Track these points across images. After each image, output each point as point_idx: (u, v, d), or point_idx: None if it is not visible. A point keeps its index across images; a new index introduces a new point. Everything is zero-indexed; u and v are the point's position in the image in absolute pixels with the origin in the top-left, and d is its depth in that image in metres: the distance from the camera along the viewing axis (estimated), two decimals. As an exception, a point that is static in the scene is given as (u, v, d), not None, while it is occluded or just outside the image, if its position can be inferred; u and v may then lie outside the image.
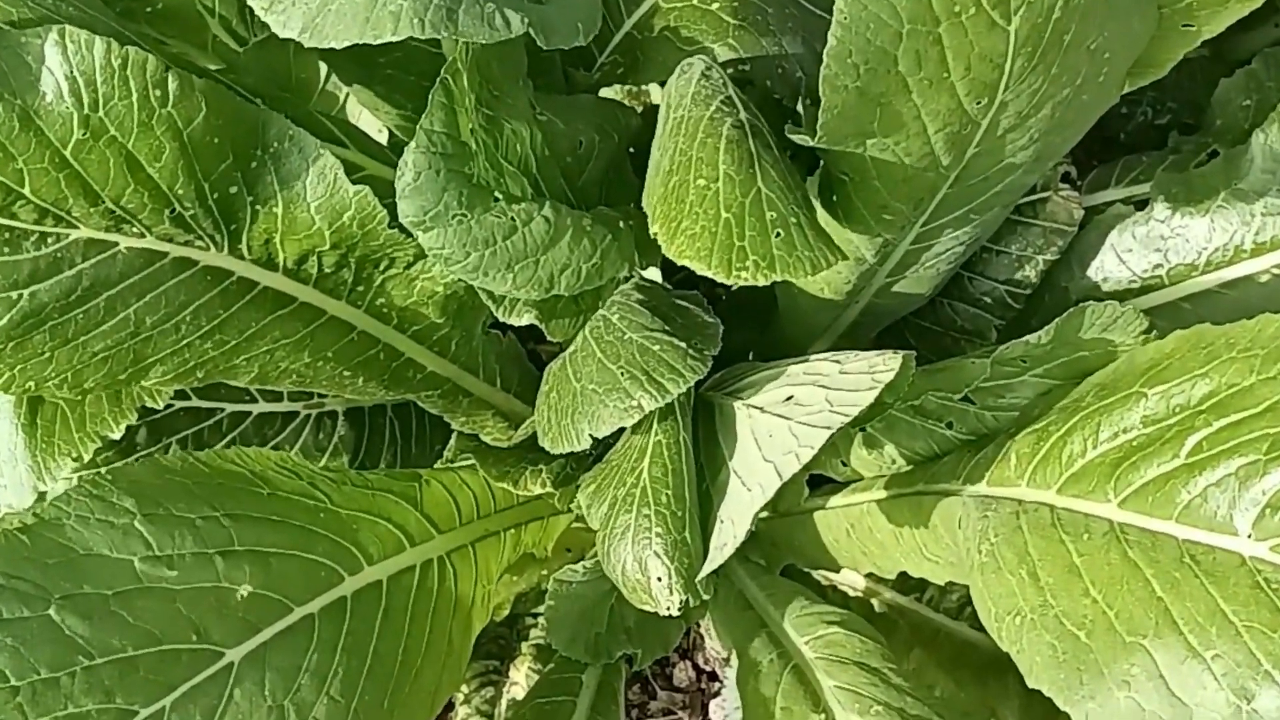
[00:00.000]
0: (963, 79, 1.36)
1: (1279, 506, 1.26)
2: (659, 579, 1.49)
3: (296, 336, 1.58)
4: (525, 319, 1.63)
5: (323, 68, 1.81)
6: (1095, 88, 1.50)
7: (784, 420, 1.48)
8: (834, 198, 1.56)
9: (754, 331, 1.94)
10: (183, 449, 1.79)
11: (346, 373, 1.65)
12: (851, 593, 2.21)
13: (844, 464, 1.85)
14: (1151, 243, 1.89)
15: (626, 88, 2.01)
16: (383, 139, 1.79)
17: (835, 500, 1.89)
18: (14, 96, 1.29)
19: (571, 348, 1.61)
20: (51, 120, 1.31)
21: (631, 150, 1.79)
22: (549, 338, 1.67)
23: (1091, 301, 1.57)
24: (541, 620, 2.10)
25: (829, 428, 1.41)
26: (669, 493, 1.51)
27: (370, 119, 1.76)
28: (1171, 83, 1.74)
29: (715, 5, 1.70)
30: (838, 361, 1.53)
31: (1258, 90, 2.00)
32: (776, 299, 1.87)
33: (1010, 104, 1.42)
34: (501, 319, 1.63)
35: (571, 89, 1.81)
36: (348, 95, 1.83)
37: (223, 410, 1.83)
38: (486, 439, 1.88)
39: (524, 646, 2.11)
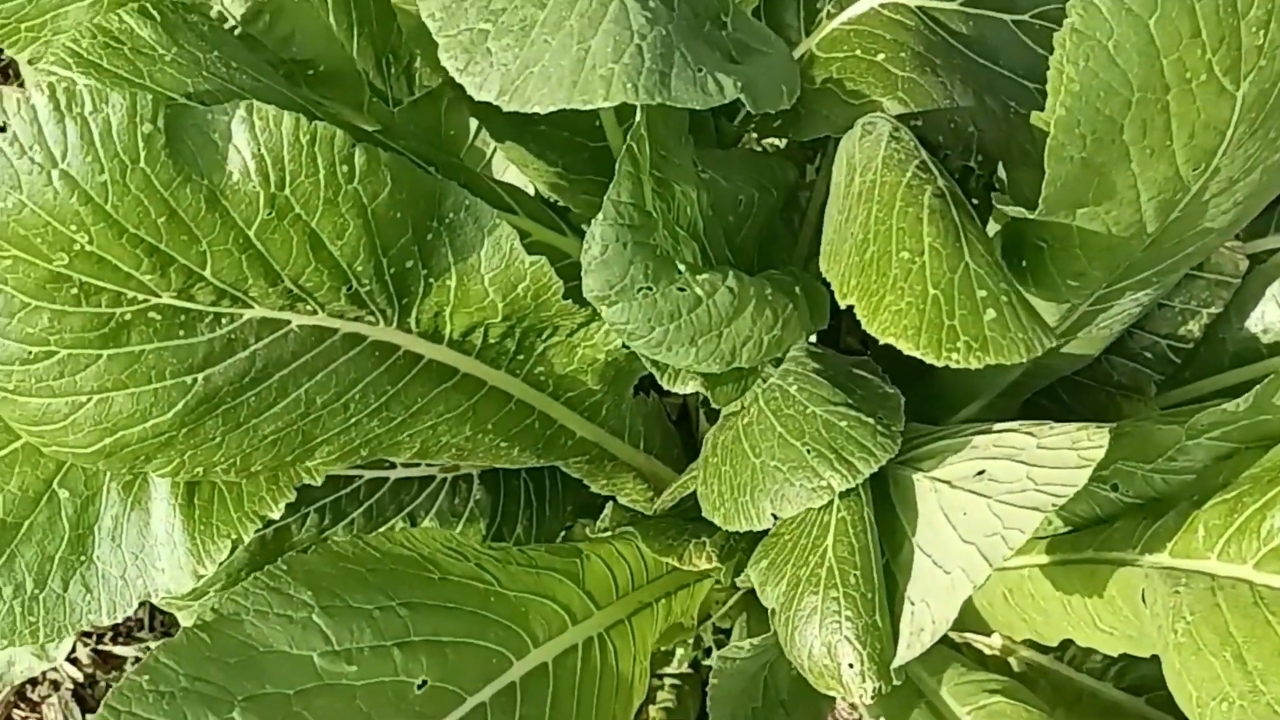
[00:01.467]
0: (1184, 146, 1.30)
1: None
2: (850, 665, 1.42)
3: (459, 410, 1.52)
4: (690, 387, 1.57)
5: (472, 123, 1.75)
6: (1302, 152, 1.44)
7: (979, 498, 1.41)
8: (1023, 263, 1.49)
9: (905, 387, 1.87)
10: (319, 519, 1.72)
11: (503, 443, 1.59)
12: (987, 651, 2.14)
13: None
14: (1313, 292, 1.84)
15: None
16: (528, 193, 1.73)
17: (990, 562, 1.83)
18: (201, 177, 1.22)
19: (744, 418, 1.54)
20: (237, 200, 1.24)
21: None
22: (714, 404, 1.60)
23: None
24: (668, 682, 2.05)
25: (1037, 509, 1.35)
26: (857, 573, 1.44)
27: (516, 174, 1.70)
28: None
29: (881, 56, 1.64)
30: (1031, 434, 1.46)
31: None
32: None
33: (1223, 169, 1.36)
34: (666, 387, 1.57)
35: (721, 141, 1.75)
36: (494, 151, 1.77)
37: (360, 477, 1.76)
38: (625, 500, 1.83)
39: (652, 711, 2.05)
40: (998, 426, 1.52)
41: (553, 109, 1.20)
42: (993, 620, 1.87)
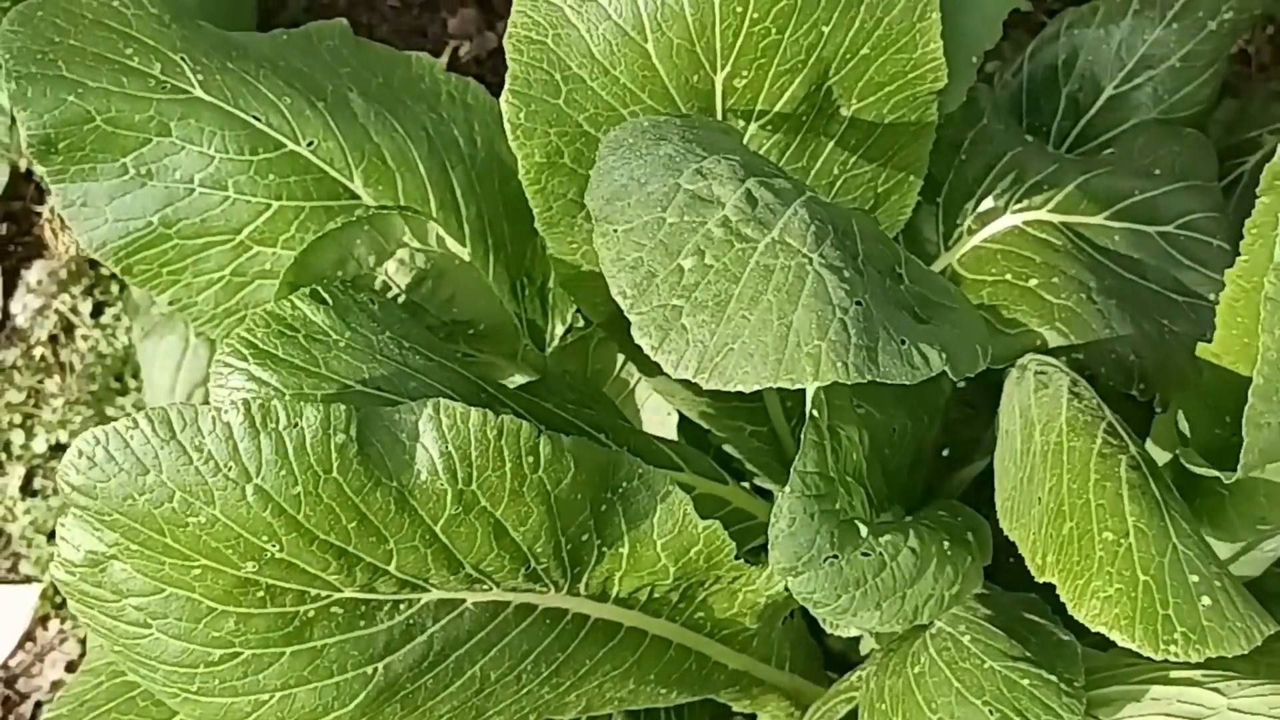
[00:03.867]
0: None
1: None
2: None
3: (625, 666, 1.48)
4: (854, 631, 1.52)
5: (619, 358, 1.72)
6: None
7: (1172, 763, 1.37)
8: (1198, 505, 1.46)
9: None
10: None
11: (663, 689, 1.55)
12: None
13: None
14: None
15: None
16: (672, 422, 1.70)
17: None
18: (390, 479, 1.19)
19: (915, 667, 1.50)
20: (425, 499, 1.21)
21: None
22: (873, 643, 1.56)
23: None
24: None
25: (1240, 787, 1.31)
26: (1042, 838, 1.39)
27: (658, 402, 1.67)
28: None
29: (1034, 282, 1.61)
30: (1219, 691, 1.42)
31: None
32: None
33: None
34: (829, 630, 1.52)
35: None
36: (638, 380, 1.74)
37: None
38: (766, 718, 1.78)
39: None
40: (1174, 675, 1.48)
41: (755, 388, 1.17)
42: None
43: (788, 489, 1.31)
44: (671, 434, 1.74)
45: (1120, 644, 1.27)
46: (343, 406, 1.15)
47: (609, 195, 1.25)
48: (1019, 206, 1.69)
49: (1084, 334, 1.57)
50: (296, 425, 1.15)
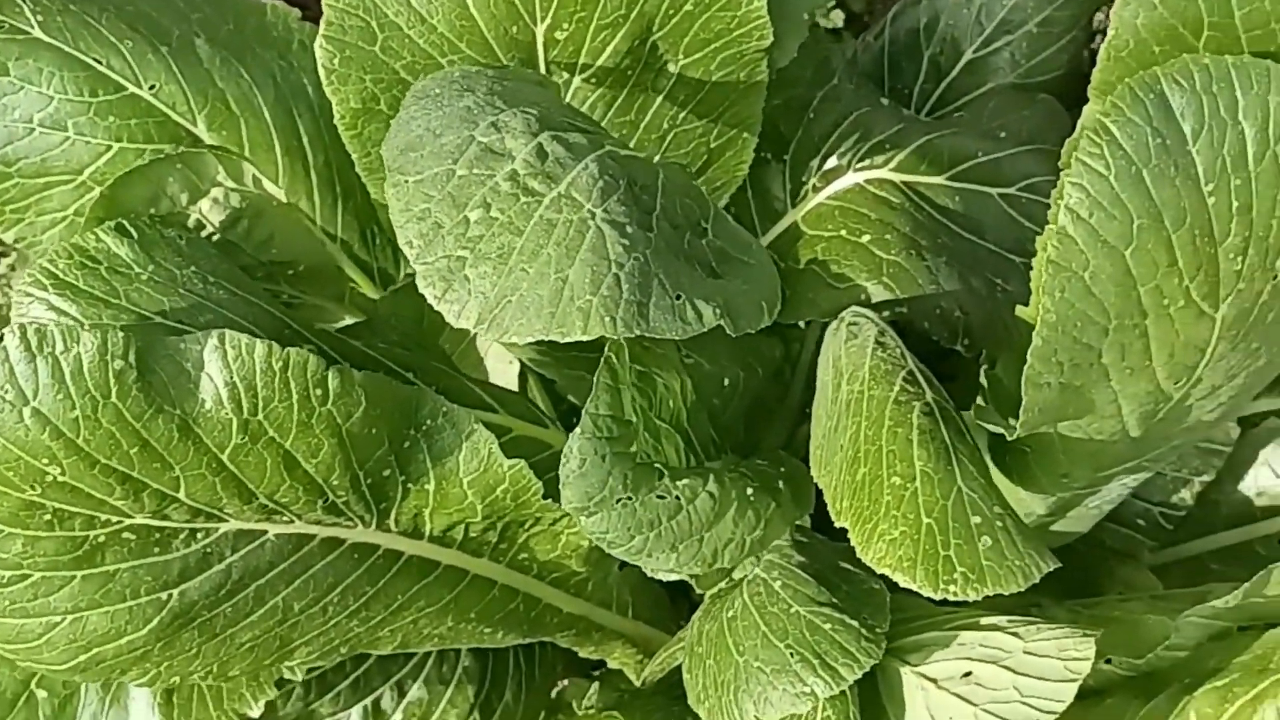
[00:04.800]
0: (1165, 364, 1.29)
1: None
2: None
3: (441, 603, 1.51)
4: (674, 575, 1.55)
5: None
6: (1286, 351, 1.43)
7: (966, 704, 1.39)
8: (1007, 459, 1.48)
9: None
10: (305, 693, 1.71)
11: (487, 629, 1.58)
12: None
13: (989, 690, 1.76)
14: (1309, 458, 1.82)
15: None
16: (514, 370, 1.72)
17: (981, 728, 1.80)
18: (173, 407, 1.22)
19: (729, 610, 1.53)
20: (210, 427, 1.24)
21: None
22: (697, 590, 1.59)
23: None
24: None
25: (1022, 724, 1.33)
26: (840, 777, 1.42)
27: (500, 350, 1.69)
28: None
29: (866, 238, 1.64)
30: (1018, 635, 1.44)
31: None
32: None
33: (1206, 379, 1.35)
34: (650, 575, 1.55)
35: (708, 315, 1.74)
36: (479, 329, 1.76)
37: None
38: (614, 664, 1.81)
39: None
40: (985, 620, 1.50)
41: (529, 340, 1.20)
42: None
43: (579, 430, 1.33)
44: (513, 382, 1.76)
45: (903, 585, 1.30)
46: (121, 333, 1.18)
47: (404, 146, 1.27)
48: (861, 165, 1.71)
49: (909, 289, 1.59)
50: (73, 350, 1.17)
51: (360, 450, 1.33)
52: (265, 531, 1.35)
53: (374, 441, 1.33)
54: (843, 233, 1.65)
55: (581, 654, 1.80)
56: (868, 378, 1.37)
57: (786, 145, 1.76)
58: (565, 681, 1.88)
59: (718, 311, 1.23)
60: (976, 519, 1.27)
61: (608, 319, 1.18)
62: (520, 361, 1.71)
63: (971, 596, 1.26)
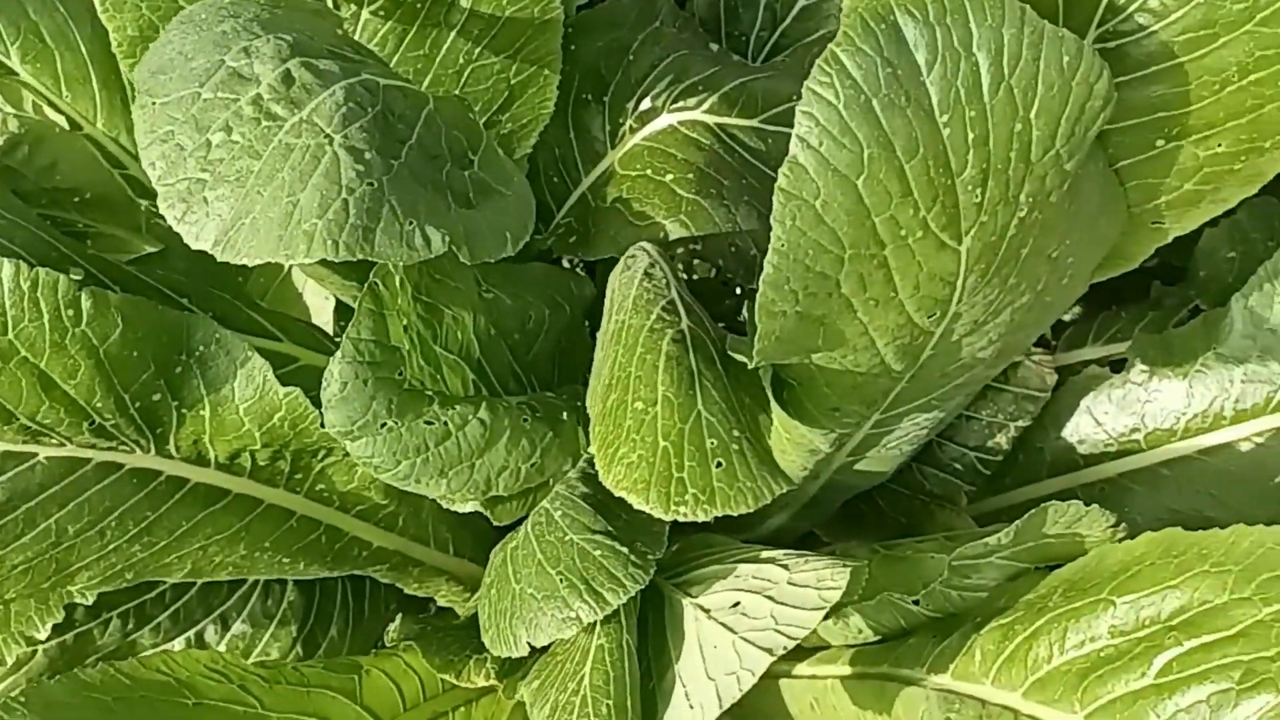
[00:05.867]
0: (912, 297, 1.31)
1: (1253, 739, 1.21)
2: (599, 796, 1.43)
3: (232, 530, 1.53)
4: (469, 506, 1.57)
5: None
6: (1058, 289, 1.45)
7: (729, 633, 1.42)
8: (784, 394, 1.50)
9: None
10: (123, 624, 1.73)
11: (285, 559, 1.60)
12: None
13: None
14: (1128, 406, 1.83)
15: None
16: (330, 305, 1.74)
17: (801, 668, 1.82)
18: (-82, 323, 1.24)
19: (514, 540, 1.55)
20: (-41, 344, 1.26)
21: (587, 322, 1.73)
22: (495, 523, 1.61)
23: (1055, 501, 1.51)
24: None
25: (770, 651, 1.36)
26: (609, 703, 1.44)
27: (316, 288, 1.71)
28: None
29: (669, 177, 1.65)
30: (786, 567, 1.47)
31: (1242, 241, 1.93)
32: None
33: (965, 314, 1.37)
34: (445, 506, 1.57)
35: (524, 254, 1.75)
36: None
37: (164, 581, 1.77)
38: (442, 601, 1.83)
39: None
40: (765, 554, 1.53)
41: (260, 261, 1.21)
42: (805, 728, 1.86)
43: (339, 354, 1.35)
44: (329, 317, 1.78)
45: (637, 507, 1.32)
46: None
47: (155, 68, 1.29)
48: (675, 107, 1.73)
49: (704, 226, 1.61)
50: None
51: (123, 373, 1.35)
52: (35, 454, 1.37)
53: (138, 365, 1.35)
54: (648, 172, 1.67)
55: (407, 590, 1.81)
56: (630, 308, 1.39)
57: (606, 87, 1.77)
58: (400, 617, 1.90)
59: (447, 239, 1.24)
60: (713, 441, 1.29)
61: (330, 242, 1.19)
62: (336, 300, 1.72)
63: (701, 517, 1.28)
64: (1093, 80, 1.26)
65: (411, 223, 1.24)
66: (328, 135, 1.24)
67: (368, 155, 1.24)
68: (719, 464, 1.30)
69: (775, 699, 1.89)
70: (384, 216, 1.23)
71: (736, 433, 1.31)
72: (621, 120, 1.75)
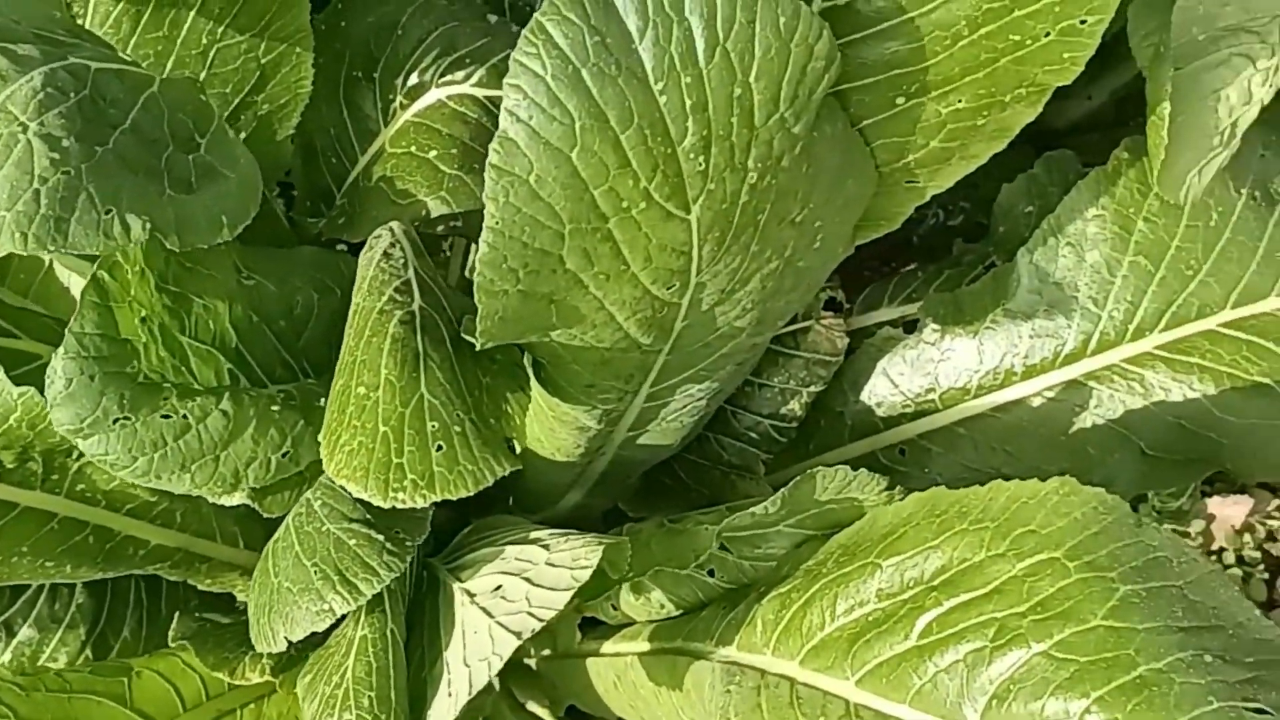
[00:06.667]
0: (645, 269, 1.28)
1: (1006, 696, 1.21)
2: (365, 790, 1.40)
3: (-19, 536, 1.48)
4: (237, 499, 1.53)
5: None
6: (811, 254, 1.43)
7: (487, 617, 1.40)
8: (541, 375, 1.47)
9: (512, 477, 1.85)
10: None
11: (49, 563, 1.55)
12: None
13: (614, 607, 1.76)
14: (922, 366, 1.83)
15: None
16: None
17: (606, 646, 1.81)
18: None
19: (278, 534, 1.51)
20: None
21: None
22: (265, 514, 1.57)
23: (821, 467, 1.49)
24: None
25: (519, 634, 1.33)
26: (372, 694, 1.42)
27: (80, 282, 1.66)
28: (964, 180, 1.64)
29: (433, 154, 1.61)
30: (548, 547, 1.44)
31: (1040, 195, 1.93)
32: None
33: (709, 283, 1.35)
34: (211, 500, 1.53)
35: (301, 238, 1.72)
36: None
37: (-59, 586, 1.72)
38: (242, 596, 1.79)
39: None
40: (533, 534, 1.50)
41: (-45, 252, 1.17)
42: (612, 705, 1.85)
43: (61, 349, 1.31)
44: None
45: (357, 495, 1.29)
46: None
47: None
48: (443, 81, 1.69)
49: (466, 203, 1.57)
50: None
51: None
52: None
53: None
54: (413, 149, 1.63)
55: (200, 587, 1.77)
56: (365, 290, 1.36)
57: (376, 64, 1.73)
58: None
59: (149, 226, 1.20)
60: (434, 424, 1.26)
61: (18, 235, 1.15)
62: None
63: (420, 503, 1.25)
64: (812, 41, 1.23)
65: (110, 211, 1.19)
66: (21, 124, 1.19)
67: (65, 143, 1.20)
68: (439, 447, 1.27)
69: (585, 676, 1.87)
70: (80, 206, 1.18)
71: (460, 414, 1.29)
72: (391, 97, 1.71)
